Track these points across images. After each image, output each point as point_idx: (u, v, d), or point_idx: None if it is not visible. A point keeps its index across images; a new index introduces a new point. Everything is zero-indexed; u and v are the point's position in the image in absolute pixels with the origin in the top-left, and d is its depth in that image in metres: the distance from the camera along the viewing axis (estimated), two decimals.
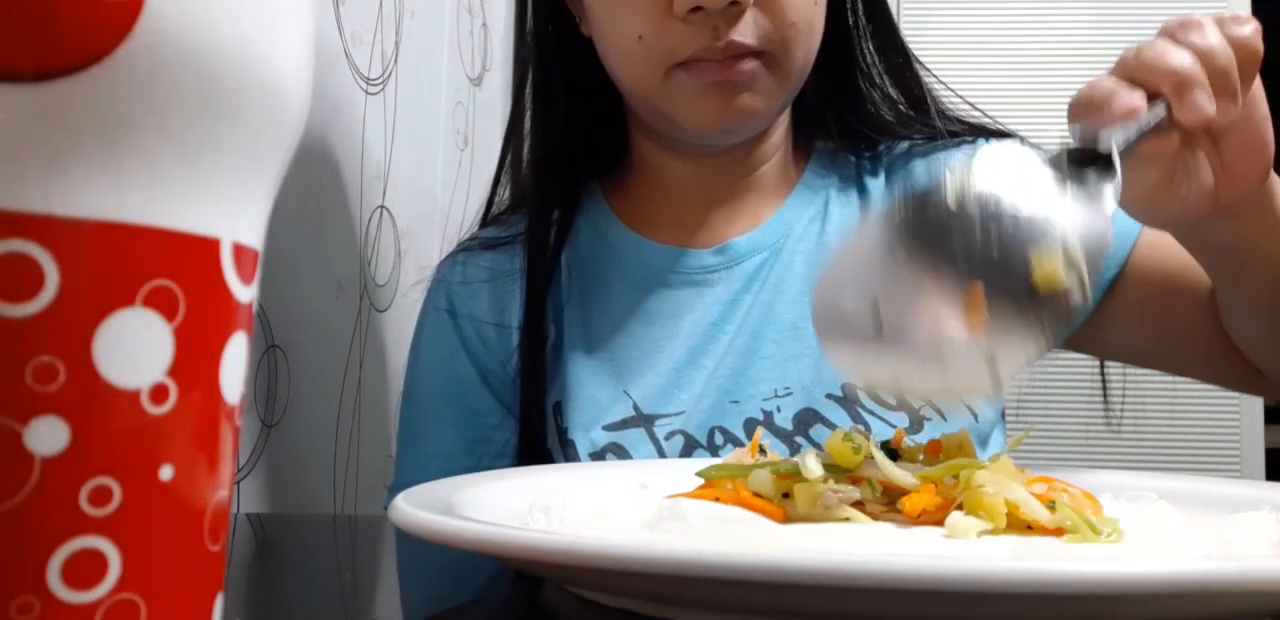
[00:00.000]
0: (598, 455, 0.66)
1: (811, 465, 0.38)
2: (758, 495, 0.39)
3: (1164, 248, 0.69)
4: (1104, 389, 0.77)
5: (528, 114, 0.77)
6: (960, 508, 0.36)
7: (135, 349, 0.15)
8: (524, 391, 0.70)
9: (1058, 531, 0.35)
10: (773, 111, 0.68)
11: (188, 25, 0.15)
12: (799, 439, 0.65)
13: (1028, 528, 0.36)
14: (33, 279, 0.14)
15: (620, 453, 0.66)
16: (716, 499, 0.38)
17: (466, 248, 0.78)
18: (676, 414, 0.67)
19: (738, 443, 0.65)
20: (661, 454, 0.65)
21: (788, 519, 0.38)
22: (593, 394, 0.68)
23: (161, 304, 0.15)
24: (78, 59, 0.14)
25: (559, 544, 0.26)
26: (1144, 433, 1.35)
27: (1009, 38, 1.38)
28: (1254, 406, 1.35)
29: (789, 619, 0.27)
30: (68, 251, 0.14)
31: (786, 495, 0.38)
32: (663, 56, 0.63)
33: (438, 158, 1.04)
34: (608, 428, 0.67)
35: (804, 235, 0.72)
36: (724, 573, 0.23)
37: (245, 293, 0.17)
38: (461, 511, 0.34)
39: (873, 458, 0.39)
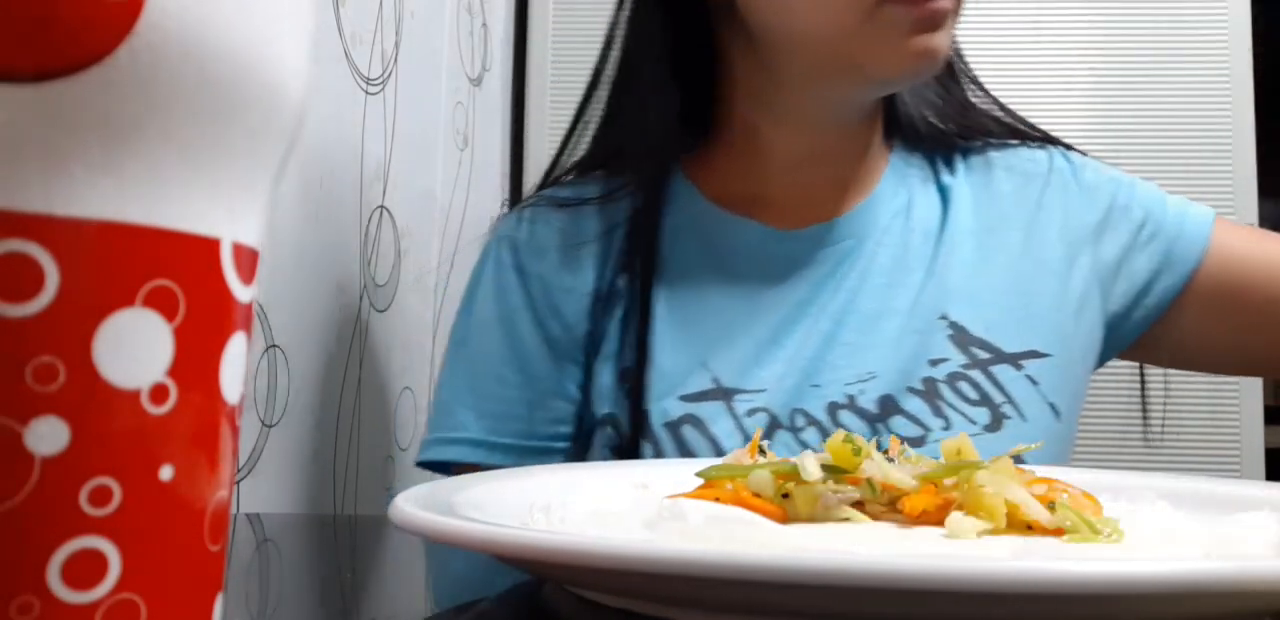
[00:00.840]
0: (673, 425, 0.66)
1: (810, 467, 0.38)
2: (757, 495, 0.39)
3: (1240, 238, 0.70)
4: (1143, 399, 0.78)
5: (607, 72, 0.75)
6: (960, 508, 0.36)
7: (135, 349, 0.15)
8: (636, 364, 0.68)
9: (1058, 532, 0.35)
10: (947, 57, 0.67)
11: (188, 25, 0.15)
12: (880, 425, 0.65)
13: (1028, 528, 0.36)
14: (33, 279, 0.14)
15: (697, 424, 0.65)
16: (716, 499, 0.38)
17: (533, 205, 0.76)
18: (758, 391, 0.66)
19: (819, 426, 0.65)
20: (742, 430, 0.65)
21: (788, 519, 0.38)
22: (668, 363, 0.68)
23: (161, 304, 0.15)
24: (78, 59, 0.14)
25: (559, 544, 0.26)
26: (1143, 433, 1.35)
27: (1009, 38, 1.38)
28: (1254, 406, 1.35)
29: (789, 619, 0.27)
30: (68, 251, 0.14)
31: (786, 496, 0.38)
32: None
33: (438, 158, 1.04)
34: (684, 398, 0.66)
35: (889, 228, 0.72)
36: (724, 573, 0.23)
37: (245, 293, 0.17)
38: (462, 511, 0.34)
39: (873, 458, 0.39)
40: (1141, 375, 0.79)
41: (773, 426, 0.65)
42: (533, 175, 1.40)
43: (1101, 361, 0.74)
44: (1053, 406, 0.67)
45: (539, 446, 0.70)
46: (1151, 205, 0.73)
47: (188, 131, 0.15)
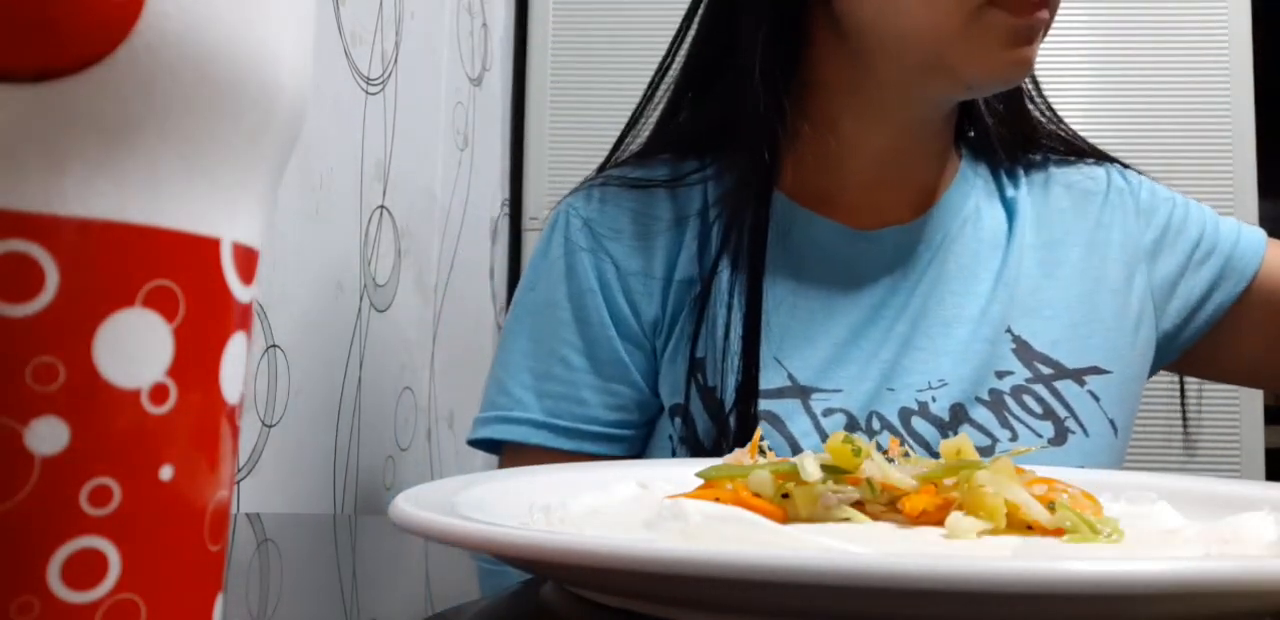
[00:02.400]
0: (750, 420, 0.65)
1: (810, 468, 0.38)
2: (757, 495, 0.39)
3: None
4: (1183, 410, 0.79)
5: (680, 54, 0.74)
6: (960, 508, 0.36)
7: (135, 349, 0.15)
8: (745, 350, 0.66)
9: (1058, 532, 0.35)
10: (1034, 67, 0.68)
11: (188, 25, 0.15)
12: (950, 433, 0.65)
13: (1028, 528, 0.36)
14: (33, 279, 0.14)
15: (774, 422, 0.65)
16: (716, 499, 0.38)
17: (603, 183, 0.74)
18: (834, 392, 0.66)
19: (893, 430, 0.65)
20: (819, 429, 0.64)
21: (788, 519, 0.38)
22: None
23: (161, 304, 0.15)
24: (78, 59, 0.14)
25: (559, 544, 0.26)
26: (1144, 433, 1.35)
27: None
28: (1254, 406, 1.35)
29: (789, 619, 0.27)
30: (68, 251, 0.14)
31: (786, 496, 0.38)
32: None
33: (437, 157, 1.04)
34: (761, 395, 0.65)
35: (959, 235, 0.72)
36: (724, 573, 0.23)
37: (245, 293, 0.17)
38: (462, 511, 0.34)
39: (873, 459, 0.39)
40: (1181, 386, 0.80)
41: (850, 428, 0.65)
42: (533, 175, 1.40)
43: (1149, 375, 0.75)
44: (1112, 422, 0.68)
45: (601, 432, 0.69)
46: (1206, 225, 0.74)
47: (188, 131, 0.15)
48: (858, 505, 0.38)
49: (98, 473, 0.14)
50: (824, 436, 0.63)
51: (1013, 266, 0.71)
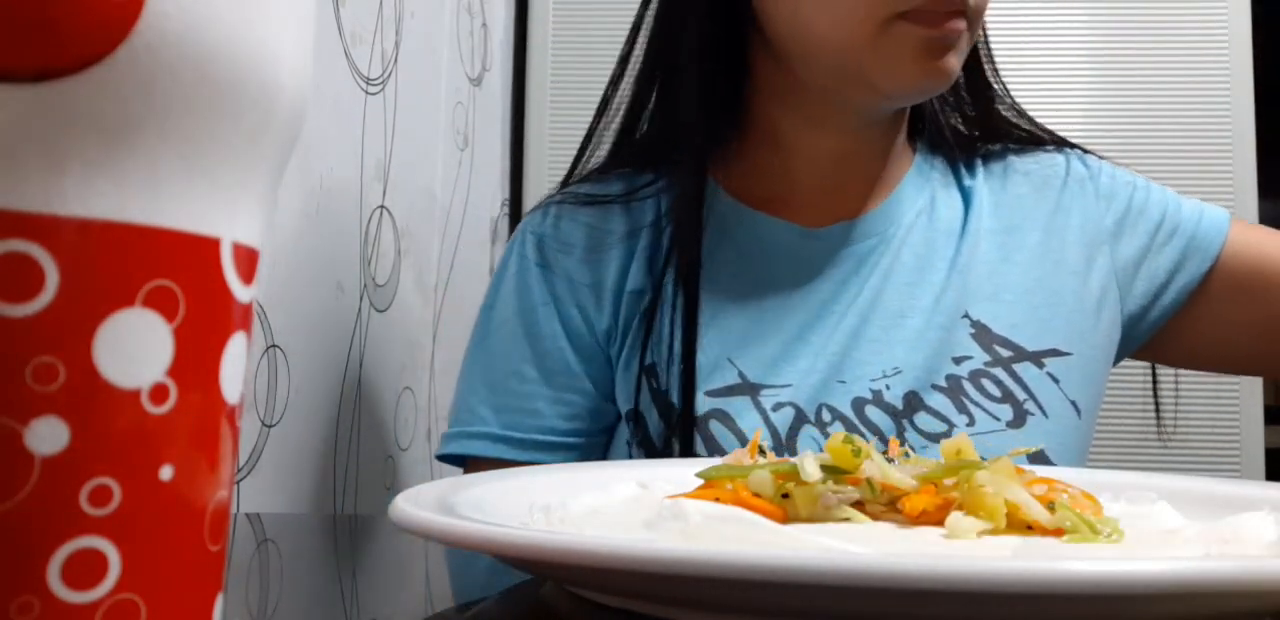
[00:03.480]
0: (700, 420, 0.66)
1: (810, 468, 0.38)
2: (757, 495, 0.39)
3: (1256, 237, 0.72)
4: (1155, 400, 0.79)
5: (629, 70, 0.76)
6: (960, 508, 0.36)
7: (135, 349, 0.15)
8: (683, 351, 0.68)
9: (1058, 532, 0.35)
10: (957, 76, 0.68)
11: (188, 25, 0.15)
12: (905, 421, 0.66)
13: (1028, 528, 0.36)
14: (33, 279, 0.14)
15: (724, 419, 0.66)
16: (716, 499, 0.38)
17: (560, 201, 0.76)
18: (784, 386, 0.67)
19: (845, 420, 0.66)
20: (769, 424, 0.65)
21: (788, 519, 0.38)
22: (700, 361, 0.68)
23: (161, 304, 0.15)
24: (78, 59, 0.14)
25: (559, 544, 0.26)
26: (1144, 433, 1.35)
27: (1009, 38, 1.38)
28: (1254, 406, 1.35)
29: (789, 619, 0.27)
30: (68, 251, 0.14)
31: (786, 496, 0.38)
32: (891, 3, 0.63)
33: (438, 158, 1.04)
34: (711, 393, 0.67)
35: (913, 226, 0.73)
36: (724, 573, 0.23)
37: (245, 293, 0.17)
38: (462, 511, 0.34)
39: (872, 459, 0.39)
40: (1154, 376, 0.80)
41: (799, 421, 0.66)
42: (533, 175, 1.40)
43: (1117, 360, 0.75)
44: (1074, 404, 0.68)
45: (558, 442, 0.71)
46: (1168, 206, 0.74)
47: (187, 131, 0.15)
48: (858, 505, 0.38)
49: (98, 473, 0.14)
50: (773, 431, 0.65)
51: (967, 253, 0.71)
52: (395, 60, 0.89)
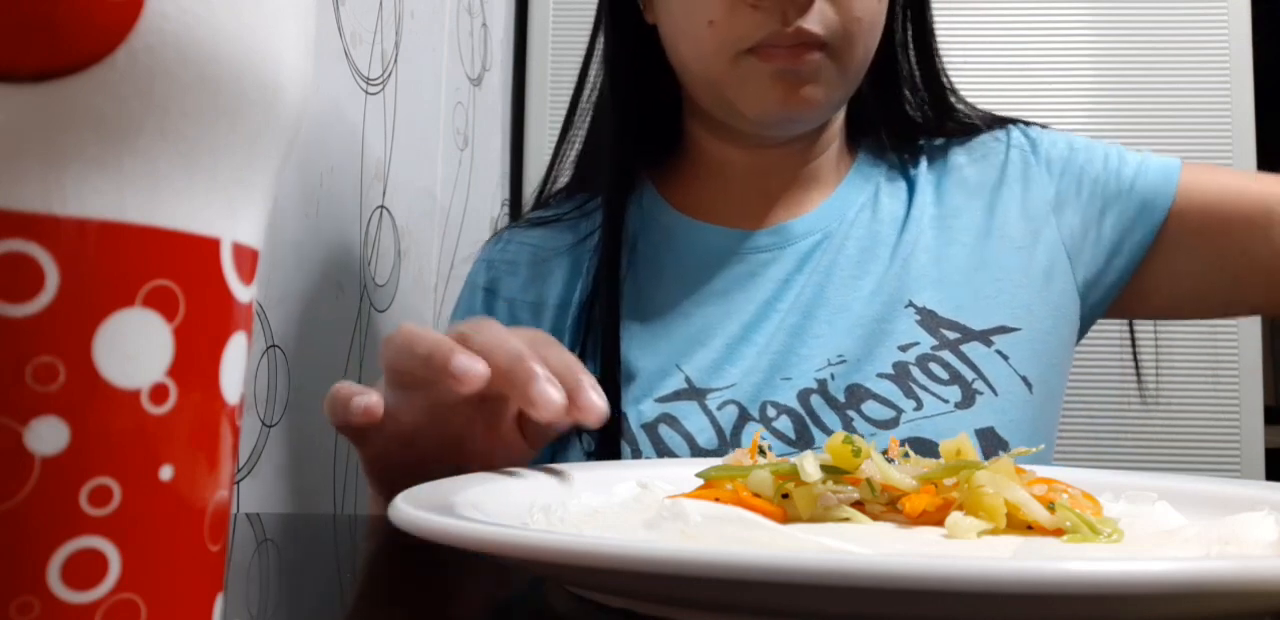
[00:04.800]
0: (649, 426, 0.67)
1: (810, 469, 0.38)
2: (757, 495, 0.39)
3: (1207, 181, 0.71)
4: (1135, 359, 0.79)
5: (585, 99, 0.79)
6: (960, 508, 0.36)
7: (135, 349, 0.15)
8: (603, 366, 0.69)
9: (1058, 532, 0.35)
10: (834, 104, 0.69)
11: (188, 25, 0.15)
12: (851, 412, 0.66)
13: (1028, 528, 0.36)
14: (33, 279, 0.14)
15: (672, 423, 0.67)
16: (716, 499, 0.38)
17: (515, 226, 0.80)
18: (728, 387, 0.68)
19: (791, 413, 0.66)
20: (715, 423, 0.66)
21: (788, 519, 0.38)
22: (644, 367, 0.69)
23: (161, 304, 0.15)
24: (78, 59, 0.14)
25: (559, 544, 0.26)
26: (1144, 433, 1.35)
27: (1009, 38, 1.38)
28: (1254, 406, 1.35)
29: (789, 619, 0.27)
30: (68, 251, 0.14)
31: (786, 496, 0.38)
32: (733, 41, 0.64)
33: (438, 158, 1.04)
34: (659, 400, 0.68)
35: (856, 221, 0.73)
36: (724, 573, 0.23)
37: (245, 293, 0.17)
38: (462, 511, 0.34)
39: (872, 459, 0.39)
40: (1132, 335, 0.80)
41: (742, 418, 0.66)
42: (533, 175, 1.40)
43: (1085, 327, 0.75)
44: (1024, 379, 0.67)
45: None
46: (1112, 166, 0.74)
47: (187, 131, 0.15)
48: (858, 505, 0.38)
49: (98, 473, 0.14)
50: (719, 431, 0.66)
51: (910, 241, 0.72)
52: (395, 60, 0.89)
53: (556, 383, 0.43)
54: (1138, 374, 0.79)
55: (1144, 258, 0.72)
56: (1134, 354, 0.80)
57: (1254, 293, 0.71)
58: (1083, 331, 0.75)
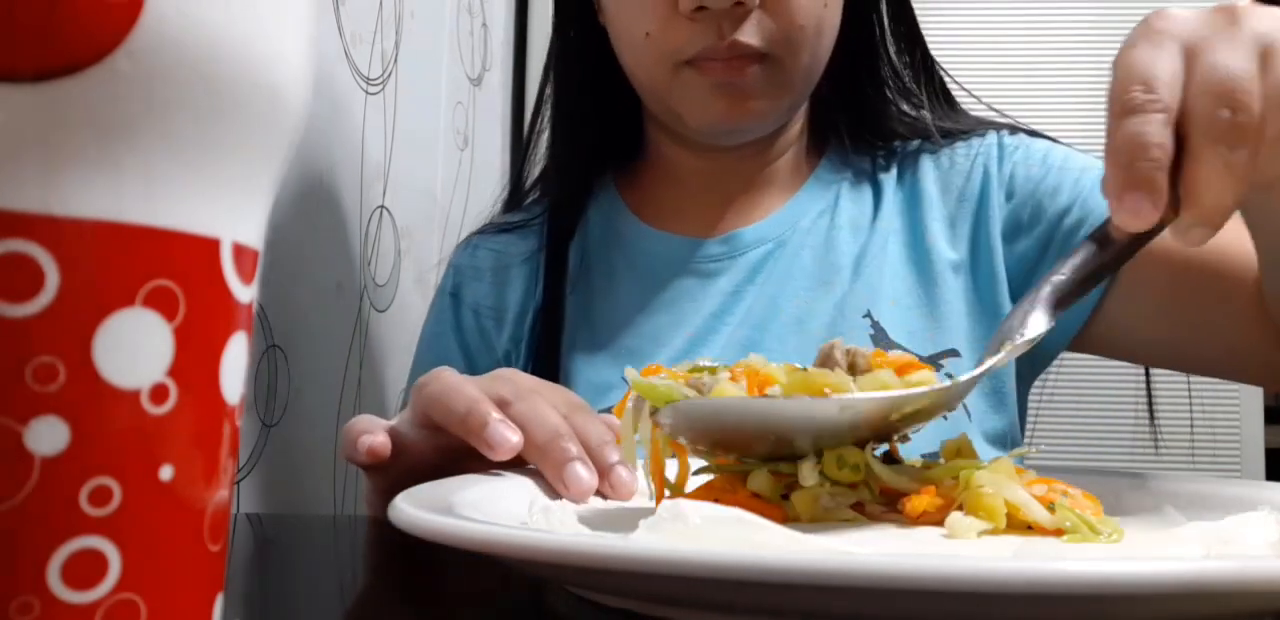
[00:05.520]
0: None
1: (807, 473, 0.38)
2: (757, 496, 0.39)
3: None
4: (1148, 393, 0.75)
5: (548, 105, 0.79)
6: (960, 508, 0.36)
7: (135, 349, 0.15)
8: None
9: (1058, 532, 0.35)
10: (779, 114, 0.68)
11: (187, 26, 0.15)
12: None
13: (1028, 528, 0.36)
14: (33, 279, 0.14)
15: None
16: (716, 500, 0.38)
17: (481, 231, 0.80)
18: None
19: None
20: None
21: (788, 520, 0.38)
22: (592, 378, 0.68)
23: (161, 304, 0.15)
24: (78, 59, 0.14)
25: (559, 544, 0.26)
26: (1142, 433, 1.35)
27: (1009, 38, 1.38)
28: (1254, 406, 1.35)
29: (789, 619, 0.27)
30: (68, 251, 0.14)
31: (786, 496, 0.38)
32: (669, 53, 0.64)
33: (438, 158, 1.04)
34: (606, 412, 0.66)
35: (812, 228, 0.72)
36: (724, 573, 0.23)
37: (245, 293, 0.17)
38: (462, 511, 0.34)
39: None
40: (1147, 378, 0.77)
41: None
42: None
43: (1045, 359, 0.70)
44: (964, 406, 0.63)
45: None
46: (1081, 187, 0.67)
47: (187, 132, 0.15)
48: (858, 506, 0.38)
49: (98, 473, 0.14)
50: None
51: (875, 251, 0.69)
52: (395, 60, 0.89)
53: (589, 462, 0.43)
54: (1151, 416, 0.74)
55: (1108, 297, 0.66)
56: (1149, 395, 0.75)
57: (1217, 359, 0.65)
58: (1043, 363, 0.70)
